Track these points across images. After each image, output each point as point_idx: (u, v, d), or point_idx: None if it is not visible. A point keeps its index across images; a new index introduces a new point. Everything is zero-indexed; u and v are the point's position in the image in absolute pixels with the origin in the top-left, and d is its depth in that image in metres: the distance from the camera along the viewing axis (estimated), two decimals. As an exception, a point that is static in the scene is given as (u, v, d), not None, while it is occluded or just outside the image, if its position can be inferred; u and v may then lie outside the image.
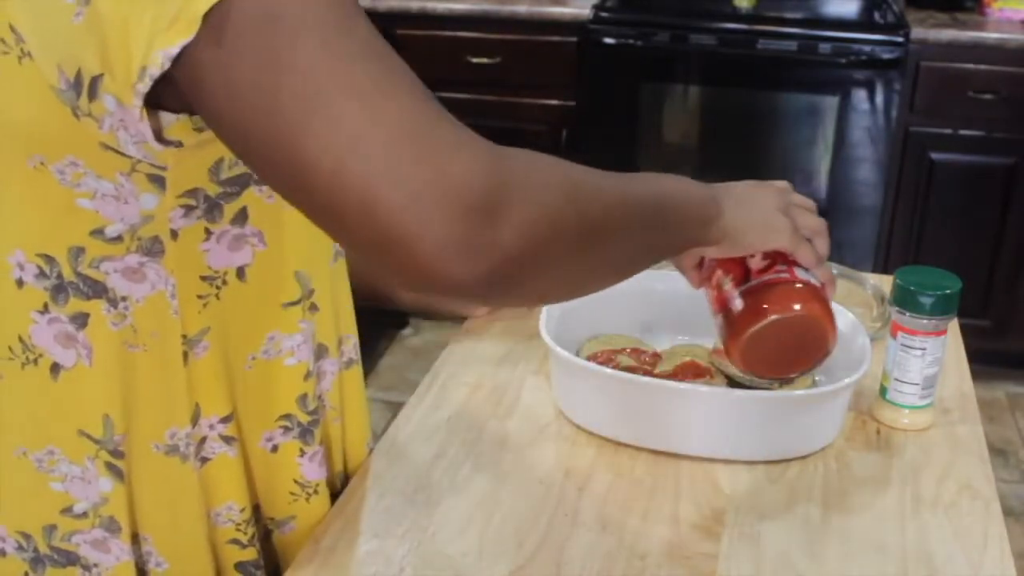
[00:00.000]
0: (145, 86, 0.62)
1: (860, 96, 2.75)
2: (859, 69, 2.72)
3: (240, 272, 0.79)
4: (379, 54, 0.61)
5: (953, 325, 1.08)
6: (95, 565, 0.83)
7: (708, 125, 2.95)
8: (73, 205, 0.72)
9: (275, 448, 0.87)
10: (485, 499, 0.94)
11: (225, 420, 0.83)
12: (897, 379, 1.04)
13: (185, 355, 0.79)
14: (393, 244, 0.58)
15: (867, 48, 2.71)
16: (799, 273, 0.88)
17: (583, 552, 0.87)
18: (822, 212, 0.92)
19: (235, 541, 0.86)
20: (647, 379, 1.03)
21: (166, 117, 0.66)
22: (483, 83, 2.89)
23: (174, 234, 0.75)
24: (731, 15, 2.91)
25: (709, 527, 0.91)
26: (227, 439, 0.83)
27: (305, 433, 0.88)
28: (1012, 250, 2.84)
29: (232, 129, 0.61)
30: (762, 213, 0.87)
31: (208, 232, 0.76)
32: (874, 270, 2.69)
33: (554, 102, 2.92)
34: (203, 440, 0.83)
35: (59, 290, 0.75)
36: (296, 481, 0.89)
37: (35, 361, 0.77)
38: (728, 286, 0.90)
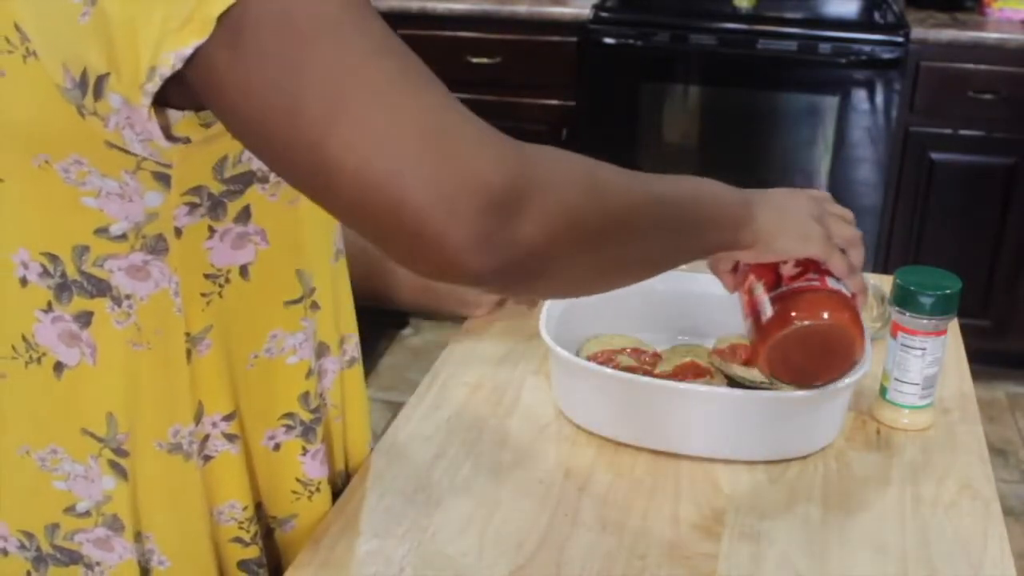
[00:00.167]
0: (155, 86, 0.62)
1: (860, 96, 2.75)
2: (859, 69, 2.72)
3: (243, 270, 0.79)
4: (396, 52, 0.61)
5: (953, 325, 1.09)
6: (98, 564, 0.83)
7: (708, 125, 2.95)
8: (77, 203, 0.72)
9: (277, 446, 0.87)
10: (485, 499, 0.94)
11: (228, 418, 0.83)
12: (897, 379, 1.04)
13: (188, 353, 0.79)
14: (419, 239, 0.58)
15: (867, 48, 2.71)
16: (830, 282, 0.88)
17: (583, 552, 0.87)
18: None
19: (237, 539, 0.87)
20: (647, 379, 1.03)
21: (173, 114, 0.66)
22: (483, 83, 2.89)
23: (178, 232, 0.75)
24: (731, 15, 2.91)
25: (709, 527, 0.91)
26: (230, 437, 0.84)
27: (307, 431, 0.88)
28: (1012, 250, 2.84)
29: (251, 130, 0.62)
30: (796, 220, 0.87)
31: (212, 230, 0.76)
32: (874, 270, 2.69)
33: (554, 102, 2.92)
34: (206, 438, 0.83)
35: (63, 289, 0.75)
36: (298, 479, 0.89)
37: (38, 360, 0.77)
38: (759, 291, 0.90)
